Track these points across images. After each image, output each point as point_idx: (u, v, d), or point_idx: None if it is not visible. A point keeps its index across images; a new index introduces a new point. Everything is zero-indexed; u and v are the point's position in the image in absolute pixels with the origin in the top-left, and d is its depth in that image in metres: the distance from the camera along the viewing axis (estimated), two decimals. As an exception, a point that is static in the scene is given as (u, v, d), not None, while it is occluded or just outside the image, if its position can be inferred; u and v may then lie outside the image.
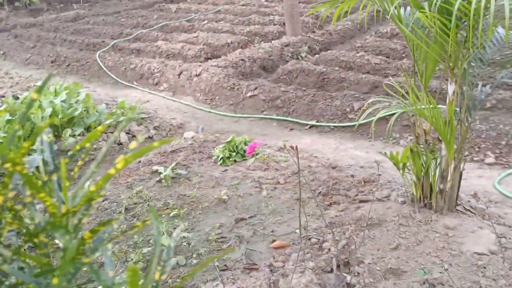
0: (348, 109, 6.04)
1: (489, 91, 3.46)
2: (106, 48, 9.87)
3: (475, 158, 4.93)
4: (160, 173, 4.51)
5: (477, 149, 5.02)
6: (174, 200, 4.12)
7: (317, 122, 6.09)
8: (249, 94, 6.83)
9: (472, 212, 3.68)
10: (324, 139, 5.70)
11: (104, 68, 8.72)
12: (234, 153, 4.71)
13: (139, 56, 9.43)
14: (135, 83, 8.17)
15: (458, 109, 3.42)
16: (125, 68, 8.55)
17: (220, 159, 4.71)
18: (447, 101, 3.38)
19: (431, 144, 3.51)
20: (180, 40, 10.07)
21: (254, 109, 6.68)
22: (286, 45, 8.96)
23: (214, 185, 4.34)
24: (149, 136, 5.83)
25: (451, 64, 3.25)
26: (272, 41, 9.24)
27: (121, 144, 5.60)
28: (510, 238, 3.24)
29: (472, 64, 3.40)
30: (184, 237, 3.52)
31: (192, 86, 7.49)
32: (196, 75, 7.55)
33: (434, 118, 3.14)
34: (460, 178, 3.57)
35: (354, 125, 5.67)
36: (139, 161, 4.87)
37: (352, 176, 4.31)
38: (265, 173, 4.48)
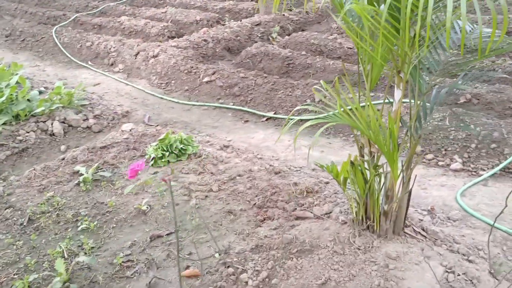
0: (309, 100, 5.49)
1: (444, 96, 2.93)
2: (66, 22, 9.21)
3: (440, 163, 4.41)
4: (82, 174, 3.97)
5: (443, 152, 4.50)
6: (89, 209, 3.59)
7: (275, 113, 5.55)
8: (206, 79, 6.26)
9: (422, 235, 3.18)
10: (279, 134, 5.16)
11: (59, 45, 8.09)
12: (167, 153, 4.17)
13: (100, 32, 8.79)
14: (89, 62, 7.55)
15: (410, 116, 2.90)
16: (80, 46, 7.92)
17: (152, 160, 4.17)
18: (393, 109, 2.84)
19: (376, 156, 2.99)
20: (147, 15, 9.41)
21: (210, 96, 6.11)
22: (257, 24, 8.34)
23: (138, 191, 3.81)
24: (87, 126, 5.26)
25: (397, 66, 2.71)
26: (243, 20, 8.60)
27: (53, 135, 5.04)
28: (459, 274, 2.75)
29: (426, 64, 2.85)
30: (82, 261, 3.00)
31: (148, 68, 6.89)
32: (153, 56, 6.95)
33: (373, 131, 2.60)
34: (409, 197, 3.05)
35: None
36: (63, 158, 4.33)
37: (295, 184, 3.79)
38: (199, 177, 3.95)
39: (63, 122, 5.20)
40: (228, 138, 5.08)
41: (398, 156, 2.76)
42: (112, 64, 7.35)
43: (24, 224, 3.43)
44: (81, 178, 3.89)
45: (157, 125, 5.41)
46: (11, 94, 5.09)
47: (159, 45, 7.18)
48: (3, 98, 4.89)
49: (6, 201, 3.70)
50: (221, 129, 5.33)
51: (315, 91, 2.81)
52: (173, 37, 8.08)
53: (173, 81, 6.53)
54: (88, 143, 4.81)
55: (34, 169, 4.16)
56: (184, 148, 4.22)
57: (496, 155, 4.33)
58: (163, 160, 4.14)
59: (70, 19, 9.27)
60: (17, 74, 5.87)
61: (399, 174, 2.92)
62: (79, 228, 3.36)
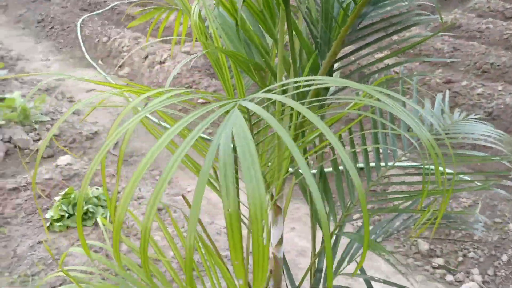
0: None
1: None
2: (101, 10, 8.49)
3: (449, 277, 3.00)
4: (-46, 231, 3.10)
5: (459, 259, 3.08)
6: None
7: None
8: (201, 100, 5.17)
9: None
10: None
11: (79, 38, 7.37)
12: (67, 214, 3.17)
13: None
14: (99, 62, 6.75)
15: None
16: (98, 40, 7.13)
17: (48, 222, 3.20)
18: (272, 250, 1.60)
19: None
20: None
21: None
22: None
23: (3, 269, 2.85)
24: (37, 149, 4.42)
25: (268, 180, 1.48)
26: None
27: (-10, 157, 4.24)
28: None
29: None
30: None
31: (151, 76, 5.94)
32: (160, 63, 5.98)
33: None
34: None
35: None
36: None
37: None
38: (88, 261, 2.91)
39: (9, 142, 4.39)
40: (190, 187, 3.99)
41: None
42: (120, 66, 6.49)
43: None
44: None
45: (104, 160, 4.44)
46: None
47: (169, 49, 6.18)
48: None
49: None
50: (189, 173, 4.24)
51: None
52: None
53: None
54: (32, 171, 3.96)
55: None
56: (92, 210, 3.19)
57: (537, 282, 2.85)
58: (60, 223, 3.14)
59: (107, 7, 8.55)
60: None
61: None
62: None
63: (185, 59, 4.44)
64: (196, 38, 1.66)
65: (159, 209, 3.45)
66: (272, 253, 1.57)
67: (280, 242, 1.59)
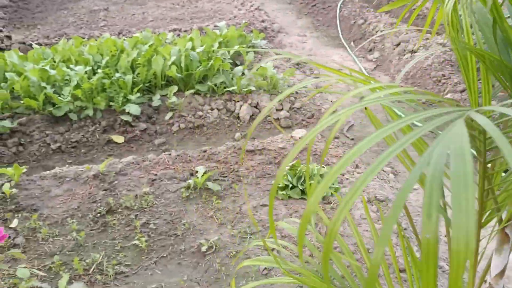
0: None
1: None
2: (364, -7, 8.52)
3: None
4: (196, 177, 3.50)
5: None
6: (163, 224, 3.13)
7: None
8: (449, 95, 4.84)
9: None
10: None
11: (337, 18, 7.53)
12: (291, 185, 3.30)
13: (393, 10, 7.82)
14: (352, 43, 6.80)
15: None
16: (354, 23, 7.19)
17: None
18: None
19: None
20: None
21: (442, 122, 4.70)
22: None
23: (227, 221, 3.14)
24: (277, 118, 4.71)
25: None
26: None
27: (238, 118, 4.68)
28: None
29: None
30: None
31: (399, 64, 5.76)
32: (411, 52, 5.76)
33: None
34: None
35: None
36: (205, 151, 3.93)
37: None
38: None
39: (255, 107, 4.77)
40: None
41: None
42: (370, 50, 6.45)
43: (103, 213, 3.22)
44: (187, 183, 3.43)
45: (352, 139, 4.48)
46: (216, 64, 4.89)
47: (427, 39, 5.90)
48: (199, 68, 4.72)
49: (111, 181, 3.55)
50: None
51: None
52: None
53: (415, 88, 5.29)
54: (268, 138, 4.27)
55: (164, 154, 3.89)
56: (314, 186, 3.27)
57: None
58: (283, 192, 3.31)
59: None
60: (253, 43, 5.68)
61: None
62: (132, 243, 2.96)
63: (437, 49, 4.12)
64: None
65: (381, 201, 3.37)
66: (489, 283, 1.38)
67: (502, 274, 1.39)
